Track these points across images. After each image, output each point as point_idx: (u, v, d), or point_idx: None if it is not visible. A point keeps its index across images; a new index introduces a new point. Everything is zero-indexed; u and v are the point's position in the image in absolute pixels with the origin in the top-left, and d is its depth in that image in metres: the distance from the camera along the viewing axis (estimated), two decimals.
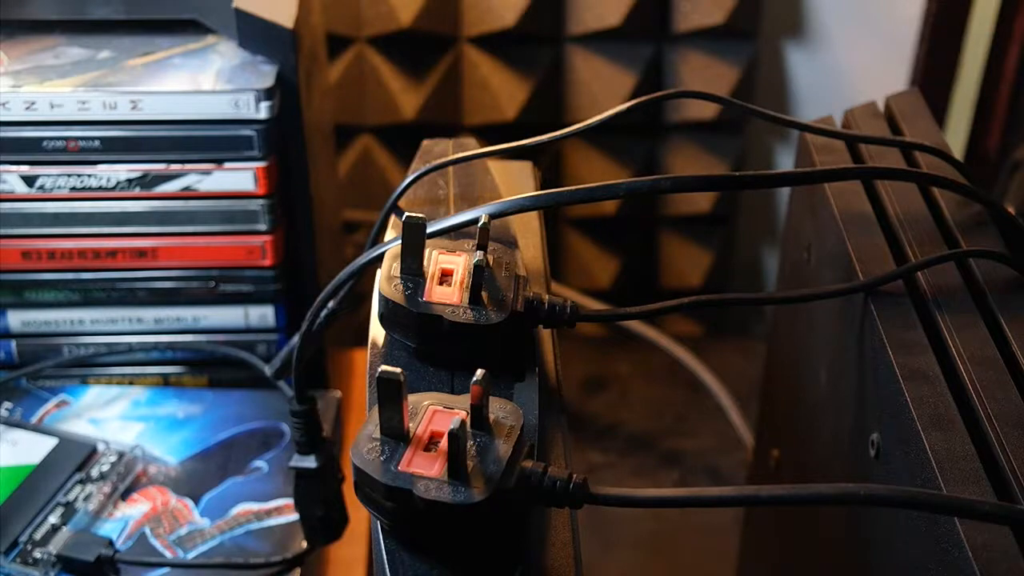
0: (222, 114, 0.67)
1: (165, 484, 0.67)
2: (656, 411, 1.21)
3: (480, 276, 0.42)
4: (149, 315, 0.74)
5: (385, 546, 0.36)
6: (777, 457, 0.70)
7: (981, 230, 0.54)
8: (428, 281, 0.43)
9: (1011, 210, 0.54)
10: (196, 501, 0.66)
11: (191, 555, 0.62)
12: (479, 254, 0.42)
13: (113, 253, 0.71)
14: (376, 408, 0.36)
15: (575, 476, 0.36)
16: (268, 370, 0.64)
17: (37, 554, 0.59)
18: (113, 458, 0.66)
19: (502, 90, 1.15)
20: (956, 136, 1.17)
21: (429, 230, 0.46)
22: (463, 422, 0.34)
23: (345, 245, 1.11)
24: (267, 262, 0.71)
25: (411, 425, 0.36)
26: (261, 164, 0.69)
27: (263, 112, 0.67)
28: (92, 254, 0.71)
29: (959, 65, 1.13)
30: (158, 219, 0.70)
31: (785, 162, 1.26)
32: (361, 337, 0.55)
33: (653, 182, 0.46)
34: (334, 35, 1.11)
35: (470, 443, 0.36)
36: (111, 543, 0.59)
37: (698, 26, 1.14)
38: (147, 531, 0.63)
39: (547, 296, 0.44)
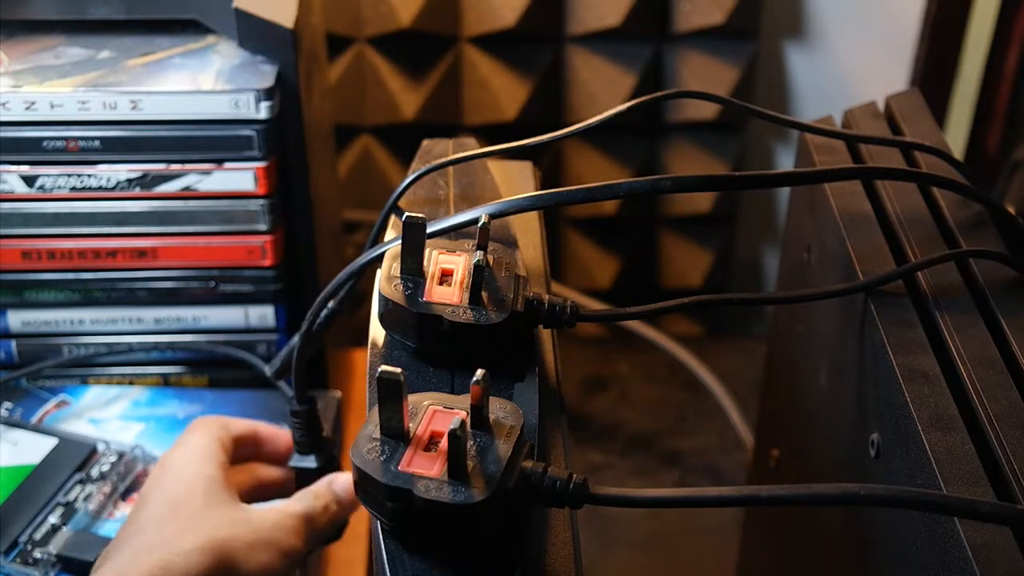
0: (222, 114, 0.67)
1: None
2: (656, 411, 1.21)
3: (480, 276, 0.42)
4: (149, 315, 0.74)
5: (385, 546, 0.36)
6: (777, 457, 0.70)
7: (981, 230, 0.54)
8: (428, 281, 0.43)
9: (1011, 210, 0.54)
10: None
11: None
12: (479, 254, 0.42)
13: (113, 253, 0.71)
14: (376, 408, 0.36)
15: (575, 476, 0.36)
16: (268, 370, 0.64)
17: (37, 554, 0.59)
18: (113, 458, 0.66)
19: (502, 90, 1.15)
20: (956, 136, 1.17)
21: (429, 230, 0.46)
22: (463, 422, 0.34)
23: (345, 245, 1.11)
24: (267, 262, 0.71)
25: (411, 425, 0.36)
26: (261, 164, 0.69)
27: (263, 112, 0.67)
28: (92, 254, 0.71)
29: (959, 65, 1.13)
30: (158, 219, 0.70)
31: (785, 162, 1.26)
32: (361, 337, 0.55)
33: (653, 182, 0.46)
34: (334, 35, 1.11)
35: (470, 443, 0.36)
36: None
37: (698, 26, 1.14)
38: None
39: (547, 296, 0.44)
